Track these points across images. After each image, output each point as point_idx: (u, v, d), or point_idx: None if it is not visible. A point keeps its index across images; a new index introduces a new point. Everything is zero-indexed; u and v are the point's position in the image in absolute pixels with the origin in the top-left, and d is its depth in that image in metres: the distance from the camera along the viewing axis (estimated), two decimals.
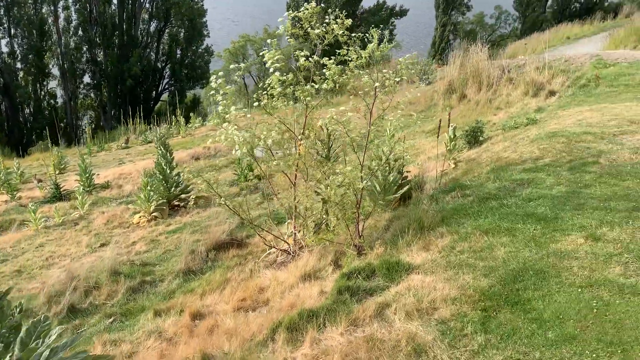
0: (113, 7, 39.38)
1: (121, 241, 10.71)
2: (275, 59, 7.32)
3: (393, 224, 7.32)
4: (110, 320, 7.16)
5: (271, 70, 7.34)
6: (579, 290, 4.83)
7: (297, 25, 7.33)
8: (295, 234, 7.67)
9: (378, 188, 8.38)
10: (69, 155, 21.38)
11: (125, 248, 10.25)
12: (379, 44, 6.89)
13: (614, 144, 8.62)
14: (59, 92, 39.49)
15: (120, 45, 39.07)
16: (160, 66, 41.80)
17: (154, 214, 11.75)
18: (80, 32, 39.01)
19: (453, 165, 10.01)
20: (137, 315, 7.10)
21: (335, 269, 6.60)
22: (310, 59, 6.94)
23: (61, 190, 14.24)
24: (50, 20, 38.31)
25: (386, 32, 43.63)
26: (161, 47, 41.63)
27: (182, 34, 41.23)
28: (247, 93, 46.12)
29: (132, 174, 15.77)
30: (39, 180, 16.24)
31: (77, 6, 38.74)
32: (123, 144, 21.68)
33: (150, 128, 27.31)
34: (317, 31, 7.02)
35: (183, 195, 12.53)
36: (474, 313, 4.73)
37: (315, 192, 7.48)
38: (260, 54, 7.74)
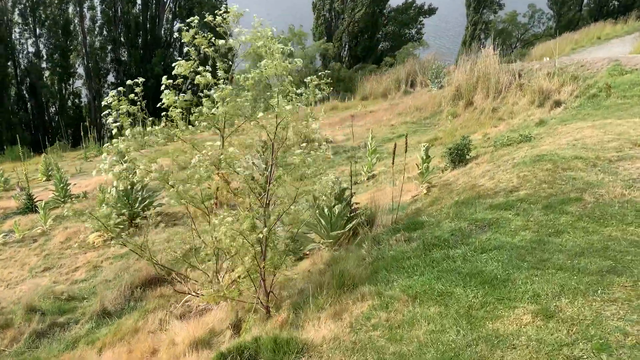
0: (137, 7, 38.74)
1: (66, 265, 9.66)
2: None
3: (322, 274, 5.99)
4: None
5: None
6: None
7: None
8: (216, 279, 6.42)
9: (323, 222, 7.07)
10: (69, 159, 20.62)
11: (65, 275, 9.19)
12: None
13: (606, 173, 7.08)
14: (84, 92, 39.12)
15: (144, 45, 38.44)
16: None
17: (111, 234, 10.65)
18: (104, 32, 38.52)
19: (425, 191, 8.60)
20: None
21: (234, 334, 5.31)
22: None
23: (34, 200, 13.32)
24: (76, 21, 37.91)
25: (413, 31, 41.82)
26: (184, 47, 40.84)
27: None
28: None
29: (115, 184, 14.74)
30: (22, 189, 15.39)
31: (103, 6, 38.25)
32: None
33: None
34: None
35: (148, 212, 11.41)
36: None
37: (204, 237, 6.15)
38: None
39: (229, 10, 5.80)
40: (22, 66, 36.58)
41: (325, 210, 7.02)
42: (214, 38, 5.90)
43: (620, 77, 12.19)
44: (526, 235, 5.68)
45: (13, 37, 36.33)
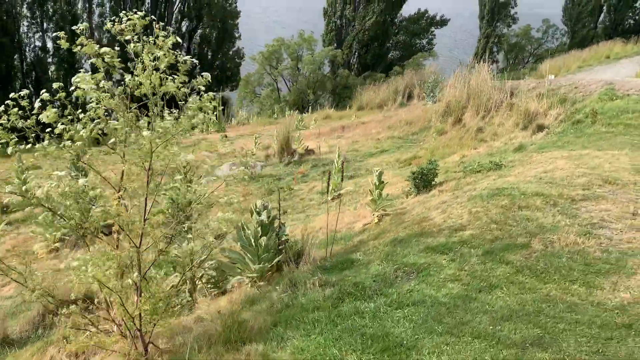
0: (146, 6, 38.30)
1: None
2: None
3: (224, 319, 5.25)
4: None
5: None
6: None
7: None
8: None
9: (249, 255, 6.34)
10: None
11: None
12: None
13: (565, 215, 6.28)
14: None
15: None
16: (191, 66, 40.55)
17: (56, 244, 10.04)
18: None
19: (376, 220, 7.84)
20: None
21: None
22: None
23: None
24: (85, 16, 37.56)
25: (424, 41, 41.00)
26: (192, 47, 40.36)
27: (213, 35, 39.78)
28: (280, 97, 44.58)
29: None
30: None
31: (112, 3, 37.88)
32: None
33: None
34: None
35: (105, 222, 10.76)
36: None
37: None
38: None
39: (131, 17, 5.04)
40: (28, 60, 36.28)
41: (253, 240, 6.30)
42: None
43: (609, 103, 11.33)
44: (453, 289, 4.91)
45: (21, 30, 36.08)
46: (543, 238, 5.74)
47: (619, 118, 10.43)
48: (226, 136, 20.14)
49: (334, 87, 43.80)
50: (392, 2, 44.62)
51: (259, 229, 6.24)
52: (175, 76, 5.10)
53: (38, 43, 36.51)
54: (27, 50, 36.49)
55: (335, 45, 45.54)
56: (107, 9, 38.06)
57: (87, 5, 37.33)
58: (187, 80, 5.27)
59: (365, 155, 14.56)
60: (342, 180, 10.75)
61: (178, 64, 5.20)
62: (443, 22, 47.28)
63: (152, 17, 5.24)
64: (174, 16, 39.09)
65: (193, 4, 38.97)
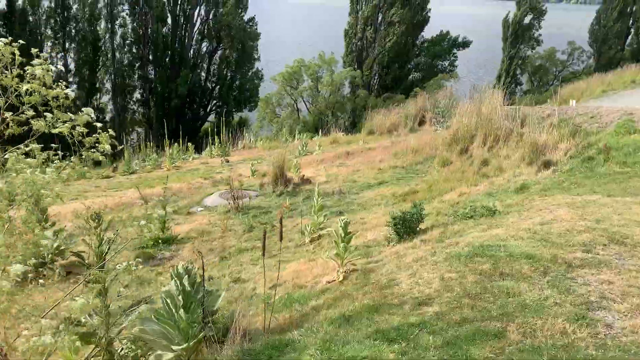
0: (167, 27, 37.90)
1: None
2: None
3: None
4: None
5: None
6: None
7: None
8: None
9: (169, 329, 5.16)
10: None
11: None
12: None
13: (555, 288, 4.97)
14: (110, 107, 38.43)
15: (171, 64, 37.53)
16: (210, 87, 39.96)
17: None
18: (134, 50, 37.81)
19: (341, 278, 6.59)
20: None
21: None
22: None
23: None
24: (107, 37, 37.32)
25: (446, 63, 39.77)
26: (212, 68, 39.78)
27: (233, 56, 39.12)
28: (300, 117, 43.67)
29: (68, 216, 13.21)
30: None
31: (134, 24, 37.59)
32: (110, 172, 19.40)
33: (188, 150, 24.88)
34: None
35: (63, 261, 9.75)
36: None
37: None
38: None
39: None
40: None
41: (175, 311, 5.14)
42: None
43: (625, 137, 9.92)
44: None
45: (44, 50, 35.94)
46: (523, 323, 4.44)
47: (636, 156, 9.02)
48: (228, 161, 19.15)
49: (353, 109, 42.78)
50: (413, 24, 43.51)
51: (180, 297, 5.08)
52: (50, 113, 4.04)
53: (59, 63, 36.33)
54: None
55: (355, 66, 44.57)
56: (130, 29, 37.77)
57: (109, 25, 37.06)
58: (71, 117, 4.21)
59: (362, 187, 13.32)
60: (322, 219, 9.54)
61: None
62: (465, 44, 45.96)
63: (22, 42, 4.17)
64: (194, 37, 38.60)
65: (213, 25, 38.42)
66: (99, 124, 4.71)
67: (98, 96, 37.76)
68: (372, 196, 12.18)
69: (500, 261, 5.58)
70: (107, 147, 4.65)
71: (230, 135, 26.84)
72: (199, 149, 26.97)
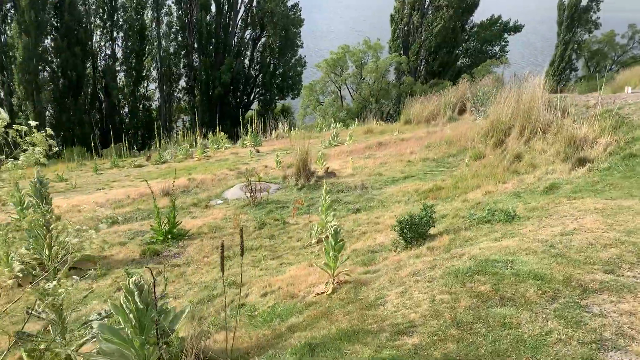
0: (211, 15, 37.66)
1: None
2: None
3: None
4: None
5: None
6: None
7: None
8: None
9: (125, 352, 4.59)
10: (89, 167, 19.23)
11: None
12: None
13: (563, 319, 4.11)
14: (157, 95, 38.63)
15: (215, 52, 37.31)
16: (253, 74, 39.56)
17: (9, 281, 8.74)
18: (179, 38, 37.78)
19: (330, 291, 5.87)
20: None
21: None
22: None
23: None
24: (153, 25, 37.42)
25: (497, 48, 37.99)
26: (255, 55, 39.36)
27: (276, 43, 38.56)
28: (343, 105, 42.86)
29: (89, 207, 12.98)
30: None
31: (179, 12, 37.54)
32: (144, 161, 19.16)
33: (221, 140, 24.58)
34: None
35: (70, 257, 9.40)
36: None
37: None
38: None
39: None
40: (99, 68, 36.51)
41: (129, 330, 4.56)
42: None
43: None
44: None
45: (94, 40, 36.34)
46: None
47: None
48: (258, 151, 18.61)
49: (398, 95, 41.58)
50: (462, 8, 41.79)
51: (132, 316, 4.50)
52: None
53: (109, 52, 36.69)
54: (98, 58, 36.73)
55: (401, 52, 43.26)
56: (175, 18, 37.74)
57: (155, 14, 37.10)
58: None
59: (387, 181, 12.48)
60: (331, 218, 8.81)
61: None
62: (517, 28, 43.84)
63: None
64: (238, 24, 38.21)
65: (257, 11, 37.92)
66: (33, 123, 4.16)
67: (145, 84, 37.99)
68: (394, 192, 11.35)
69: (503, 281, 4.74)
70: (40, 148, 4.11)
71: (270, 123, 26.39)
72: (237, 138, 26.59)
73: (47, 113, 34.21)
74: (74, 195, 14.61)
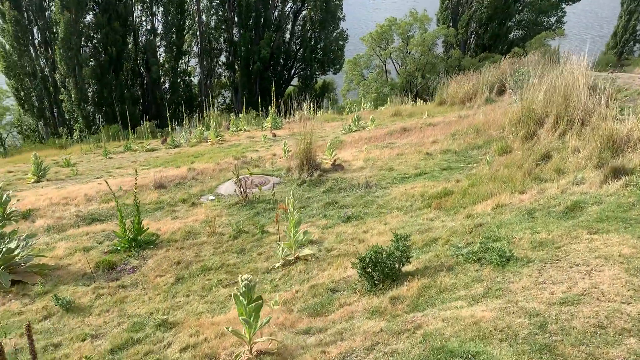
0: None
1: None
2: None
3: None
4: None
5: None
6: None
7: None
8: None
9: None
10: (107, 149, 18.24)
11: None
12: None
13: None
14: (197, 70, 37.58)
15: (255, 26, 35.74)
16: (294, 49, 37.81)
17: None
18: (220, 12, 36.39)
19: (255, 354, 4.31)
20: None
21: None
22: None
23: None
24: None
25: (553, 19, 34.79)
26: (296, 29, 37.53)
27: (318, 16, 36.59)
28: (388, 79, 40.68)
29: (77, 199, 11.86)
30: None
31: None
32: (159, 144, 17.98)
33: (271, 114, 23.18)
34: None
35: (28, 264, 8.20)
36: None
37: None
38: None
39: None
40: (140, 43, 35.69)
41: None
42: None
43: None
44: None
45: (135, 15, 35.47)
46: None
47: None
48: (275, 135, 17.06)
49: (446, 70, 38.92)
50: None
51: None
52: None
53: (149, 27, 35.77)
54: (139, 34, 35.89)
55: (450, 24, 40.41)
56: None
57: None
58: None
59: (396, 179, 10.69)
60: (300, 236, 7.20)
61: None
62: None
63: None
64: None
65: None
66: None
67: (186, 59, 36.97)
68: (399, 194, 9.59)
69: None
70: None
71: (311, 100, 24.68)
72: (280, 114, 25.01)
73: (89, 89, 33.73)
74: (70, 184, 13.57)
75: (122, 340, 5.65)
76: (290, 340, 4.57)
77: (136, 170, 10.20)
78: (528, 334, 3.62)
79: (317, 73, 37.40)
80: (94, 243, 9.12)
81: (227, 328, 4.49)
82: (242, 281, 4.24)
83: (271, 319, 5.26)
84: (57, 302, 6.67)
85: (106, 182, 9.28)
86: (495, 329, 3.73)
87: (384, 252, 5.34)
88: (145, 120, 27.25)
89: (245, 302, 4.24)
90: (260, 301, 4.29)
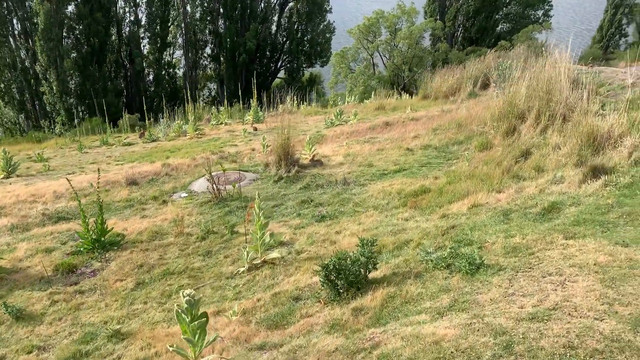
0: None
1: None
2: None
3: None
4: None
5: None
6: None
7: None
8: None
9: None
10: (83, 144, 17.74)
11: None
12: None
13: None
14: (182, 62, 36.96)
15: (241, 18, 35.15)
16: (280, 41, 37.27)
17: None
18: (205, 3, 35.76)
19: None
20: None
21: None
22: None
23: None
24: None
25: (540, 12, 34.51)
26: (282, 21, 36.98)
27: (304, 8, 36.06)
28: (375, 73, 40.31)
29: (46, 196, 11.41)
30: None
31: None
32: (137, 138, 17.52)
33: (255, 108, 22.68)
34: None
35: None
36: None
37: None
38: None
39: None
40: (124, 35, 34.99)
41: None
42: None
43: None
44: None
45: (118, 6, 34.75)
46: None
47: None
48: (256, 129, 16.66)
49: (433, 63, 38.56)
50: None
51: None
52: None
53: (132, 18, 35.08)
54: (123, 25, 35.19)
55: (437, 17, 40.04)
56: None
57: None
58: None
59: (375, 175, 10.34)
60: (267, 239, 6.83)
61: None
62: None
63: None
64: None
65: None
66: None
67: (170, 51, 36.33)
68: (376, 191, 9.24)
69: None
70: None
71: (296, 93, 24.21)
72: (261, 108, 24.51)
73: (71, 81, 33.01)
74: (41, 180, 13.09)
75: (69, 354, 5.28)
76: (242, 358, 4.21)
77: (99, 170, 9.71)
78: (492, 355, 3.28)
79: (304, 66, 36.91)
80: (57, 244, 8.71)
81: (171, 346, 4.11)
82: (184, 297, 3.86)
83: (227, 332, 4.90)
84: (7, 310, 6.28)
85: (67, 180, 8.86)
86: (457, 350, 3.39)
87: (349, 259, 4.99)
88: (125, 113, 26.64)
89: (188, 320, 3.86)
90: (204, 319, 3.91)
